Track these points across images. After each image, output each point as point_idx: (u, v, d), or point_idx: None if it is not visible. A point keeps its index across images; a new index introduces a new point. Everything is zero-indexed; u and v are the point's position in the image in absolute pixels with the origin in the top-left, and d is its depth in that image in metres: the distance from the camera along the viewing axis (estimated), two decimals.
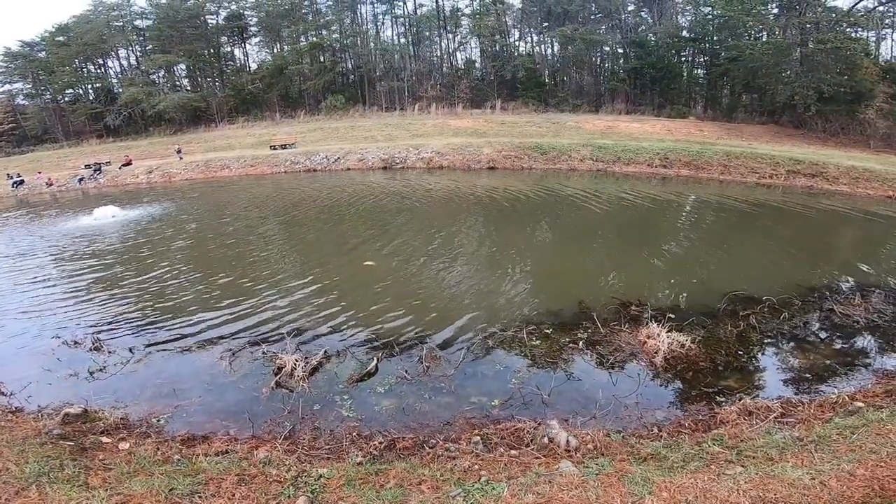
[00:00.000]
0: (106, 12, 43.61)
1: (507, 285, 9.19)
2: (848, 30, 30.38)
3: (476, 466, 4.10)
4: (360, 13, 46.31)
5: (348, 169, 26.21)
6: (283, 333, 7.25)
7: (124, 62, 47.44)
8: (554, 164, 24.23)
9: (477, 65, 48.85)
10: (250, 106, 43.59)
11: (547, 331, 7.16)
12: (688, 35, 41.64)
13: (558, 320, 7.54)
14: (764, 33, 36.11)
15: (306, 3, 45.46)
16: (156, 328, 7.73)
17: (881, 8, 34.64)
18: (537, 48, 46.82)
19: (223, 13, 46.18)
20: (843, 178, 18.92)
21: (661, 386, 5.89)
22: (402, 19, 47.18)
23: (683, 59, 43.05)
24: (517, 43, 47.26)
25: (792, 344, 6.89)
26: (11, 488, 3.62)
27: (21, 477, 3.77)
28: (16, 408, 5.53)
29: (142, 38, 45.98)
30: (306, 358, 6.35)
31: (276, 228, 14.54)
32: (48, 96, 45.07)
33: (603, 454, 4.31)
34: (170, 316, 8.18)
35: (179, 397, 5.78)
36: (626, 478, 3.66)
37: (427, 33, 47.82)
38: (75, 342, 7.23)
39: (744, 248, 11.95)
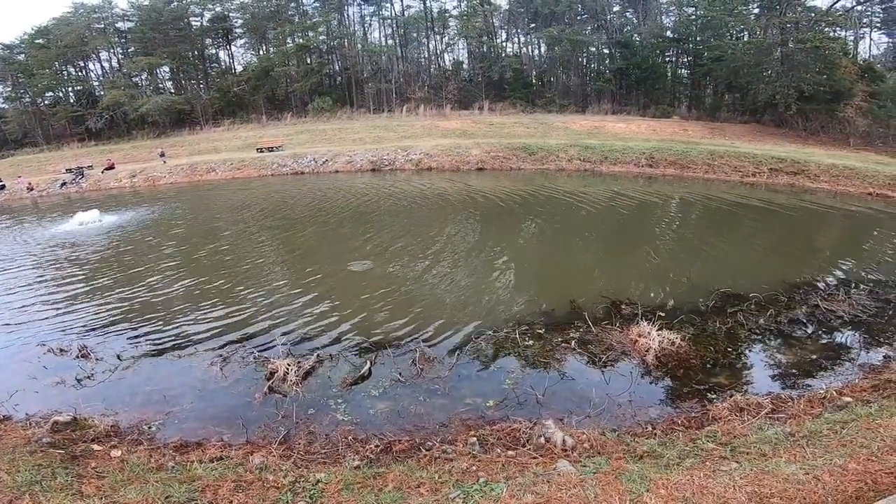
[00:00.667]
0: (86, 14, 42.82)
1: (498, 286, 9.22)
2: (827, 29, 31.03)
3: (474, 467, 4.11)
4: (348, 14, 46.12)
5: (336, 171, 26.08)
6: (274, 338, 7.19)
7: (106, 64, 46.68)
8: (542, 164, 24.37)
9: (465, 66, 48.96)
10: (236, 108, 43.10)
11: (539, 331, 7.20)
12: (672, 35, 42.22)
13: (550, 320, 7.59)
14: (745, 33, 36.78)
15: (292, 4, 45.08)
16: (143, 335, 7.61)
17: (859, 7, 35.53)
18: (524, 49, 47.11)
19: (207, 15, 45.59)
20: (824, 176, 19.33)
21: (653, 384, 5.96)
22: (389, 21, 47.10)
23: (668, 59, 43.64)
24: (504, 44, 47.49)
25: (779, 340, 7.01)
26: (4, 497, 3.57)
27: (13, 486, 3.71)
28: (3, 416, 5.43)
29: (123, 41, 45.19)
30: (299, 362, 6.29)
31: (263, 232, 14.41)
32: (28, 99, 44.08)
33: (599, 453, 4.34)
34: (157, 322, 8.06)
35: (170, 404, 5.69)
36: (624, 476, 3.70)
37: (415, 35, 47.78)
38: (61, 350, 7.08)
39: (729, 245, 12.13)
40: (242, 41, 48.96)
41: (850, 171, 19.19)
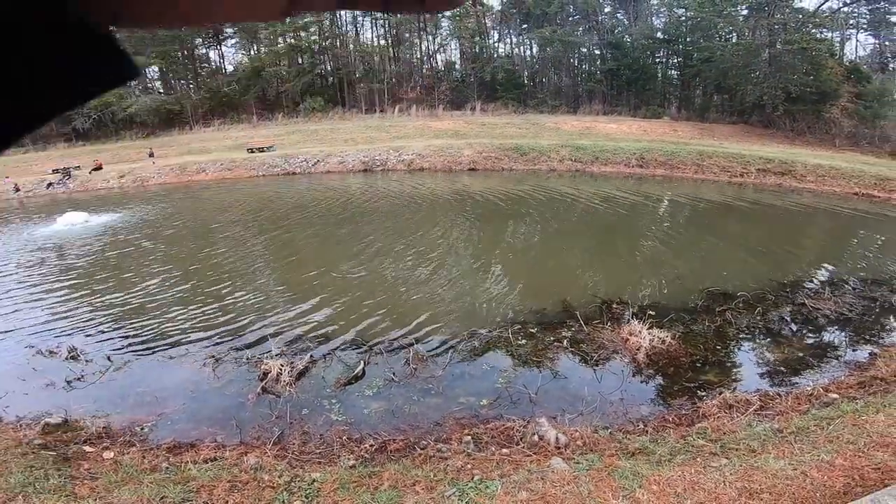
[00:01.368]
0: None
1: (491, 285, 9.27)
2: (814, 31, 31.56)
3: (468, 466, 4.15)
4: (340, 15, 45.93)
5: (328, 172, 25.98)
6: (267, 339, 7.17)
7: None
8: (534, 164, 24.50)
9: (457, 66, 49.03)
10: (226, 108, 42.78)
11: (532, 330, 7.25)
12: (662, 36, 42.63)
13: (543, 319, 7.65)
14: (734, 34, 37.27)
15: None
16: (134, 336, 7.54)
17: (845, 9, 36.11)
18: (516, 50, 47.29)
19: None
20: (810, 176, 19.64)
21: (644, 382, 6.05)
22: (381, 21, 47.01)
23: (658, 60, 44.04)
24: (496, 45, 47.68)
25: (767, 338, 7.14)
26: None
27: (6, 488, 3.71)
28: None
29: None
30: (292, 362, 6.28)
31: (254, 233, 14.34)
32: None
33: (592, 450, 4.40)
34: (148, 323, 7.99)
35: (162, 405, 5.66)
36: (616, 472, 3.76)
37: (407, 35, 47.77)
38: (50, 352, 7.00)
39: (718, 244, 12.30)
40: (233, 41, 48.61)
41: (836, 171, 19.53)
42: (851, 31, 40.08)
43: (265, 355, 6.53)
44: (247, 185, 23.96)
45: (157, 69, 45.21)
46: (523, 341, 6.93)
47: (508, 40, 47.71)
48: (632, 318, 7.19)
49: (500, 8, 45.41)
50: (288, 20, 43.95)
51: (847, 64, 33.16)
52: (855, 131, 28.81)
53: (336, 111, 40.28)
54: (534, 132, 30.24)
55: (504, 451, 4.46)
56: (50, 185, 26.79)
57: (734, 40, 36.41)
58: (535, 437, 4.57)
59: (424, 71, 48.07)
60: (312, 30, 44.63)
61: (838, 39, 38.12)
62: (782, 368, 6.34)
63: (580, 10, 43.57)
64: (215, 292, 9.32)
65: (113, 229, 15.47)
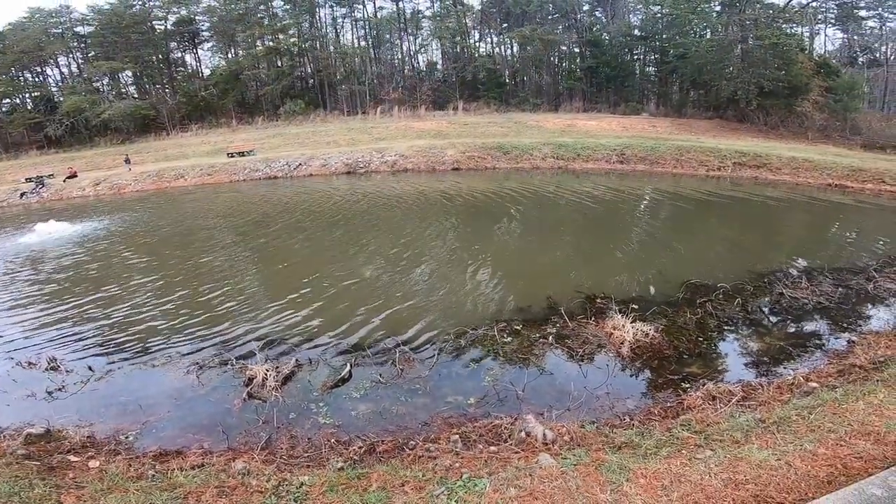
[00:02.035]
0: (43, 19, 41.14)
1: (475, 284, 9.31)
2: (784, 26, 32.32)
3: (457, 464, 4.16)
4: (319, 16, 45.56)
5: (311, 175, 25.77)
6: (251, 344, 7.10)
7: (65, 69, 44.90)
8: (517, 163, 24.64)
9: (438, 66, 49.09)
10: (204, 113, 42.08)
11: (517, 327, 7.30)
12: (639, 34, 43.25)
13: (528, 317, 7.71)
14: (708, 31, 38.02)
15: (261, 7, 44.31)
16: (115, 345, 7.43)
17: (814, 3, 37.06)
18: (497, 49, 47.46)
19: (172, 18, 44.35)
20: (785, 169, 20.13)
21: (629, 375, 6.13)
22: (361, 22, 46.79)
23: (636, 57, 44.70)
24: (477, 44, 47.79)
25: (747, 328, 7.29)
26: None
27: None
28: None
29: (83, 45, 43.59)
30: (277, 367, 6.25)
31: (235, 238, 14.15)
32: None
33: (579, 445, 4.44)
34: (128, 332, 7.86)
35: (147, 413, 5.61)
36: (604, 466, 3.80)
37: (388, 36, 47.62)
38: (30, 363, 6.92)
39: (698, 237, 12.54)
40: (210, 44, 47.88)
41: (810, 163, 20.04)
42: (820, 25, 41.14)
43: (250, 361, 6.46)
44: (227, 191, 23.64)
45: (130, 73, 44.31)
46: (509, 339, 6.97)
47: (489, 40, 47.90)
48: (615, 312, 7.26)
49: (480, 7, 45.57)
50: (266, 22, 43.28)
51: (817, 58, 34.02)
52: (826, 124, 29.59)
53: (317, 114, 39.97)
54: (516, 131, 30.40)
55: (492, 448, 4.49)
56: (23, 194, 26.07)
57: (708, 36, 37.15)
58: (523, 434, 4.61)
59: (406, 72, 47.97)
60: (291, 32, 44.18)
61: (807, 34, 39.09)
62: (763, 358, 6.46)
63: (559, 8, 43.94)
64: (196, 299, 9.18)
65: (90, 238, 15.14)
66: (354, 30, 47.45)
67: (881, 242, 11.47)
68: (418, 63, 49.21)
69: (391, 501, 3.60)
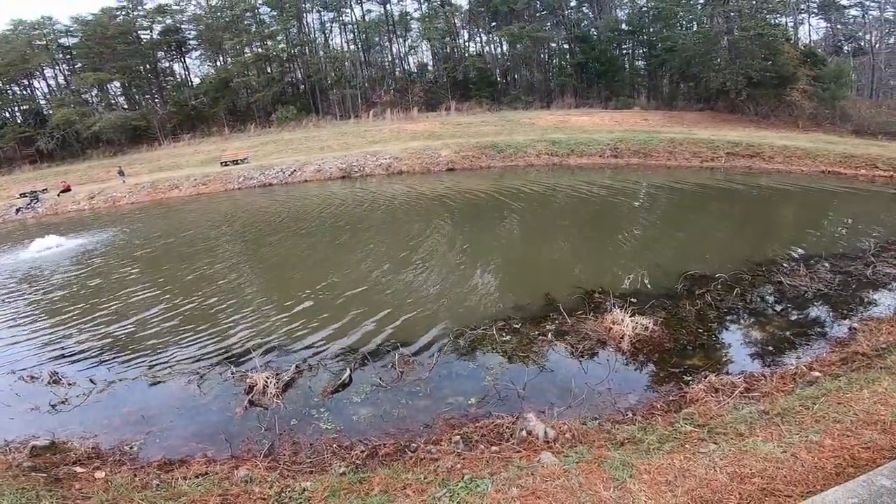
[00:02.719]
0: (27, 31, 40.91)
1: (473, 284, 9.29)
2: (768, 16, 32.47)
3: (459, 465, 4.14)
4: (307, 22, 45.50)
5: (306, 181, 25.71)
6: (250, 352, 7.07)
7: (52, 82, 44.69)
8: (511, 161, 24.64)
9: (429, 67, 49.05)
10: (196, 122, 41.94)
11: (516, 325, 7.29)
12: (626, 28, 43.40)
13: (526, 314, 7.69)
14: (694, 23, 38.16)
15: (248, 14, 44.20)
16: (116, 357, 7.42)
17: None
18: (487, 48, 47.52)
19: (158, 28, 44.18)
20: (777, 158, 20.18)
21: (630, 370, 6.12)
22: (350, 26, 46.75)
23: (625, 51, 44.84)
24: (467, 44, 47.83)
25: (747, 318, 7.27)
26: None
27: None
28: None
29: (69, 57, 43.37)
30: (277, 374, 6.23)
31: (232, 247, 14.11)
32: None
33: (581, 442, 4.41)
34: (129, 344, 7.85)
35: (150, 424, 5.63)
36: (606, 463, 3.77)
37: (377, 39, 47.55)
38: (32, 377, 6.96)
39: (694, 228, 12.56)
40: (198, 53, 47.74)
41: (802, 151, 20.10)
42: (803, 15, 41.37)
43: (251, 370, 6.43)
44: (223, 200, 23.56)
45: (119, 84, 44.11)
46: (508, 337, 6.96)
47: (478, 39, 47.96)
48: (614, 306, 7.22)
49: (468, 7, 45.58)
50: (253, 29, 43.14)
51: (802, 48, 34.21)
52: (816, 112, 29.71)
53: (310, 119, 39.88)
54: (509, 129, 30.40)
55: (494, 448, 4.46)
56: (18, 210, 25.95)
57: (694, 29, 37.28)
58: (524, 433, 4.59)
59: (397, 74, 47.94)
60: (280, 38, 44.09)
61: (792, 24, 39.30)
62: (765, 348, 6.42)
63: (546, 5, 43.99)
64: (195, 308, 9.15)
65: (86, 252, 15.08)
66: (343, 34, 47.47)
67: (877, 227, 11.51)
68: (409, 65, 49.23)
69: None
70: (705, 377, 5.56)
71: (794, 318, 7.23)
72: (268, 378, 6.06)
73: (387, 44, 47.96)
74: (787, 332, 6.71)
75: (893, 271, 8.42)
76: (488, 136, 28.74)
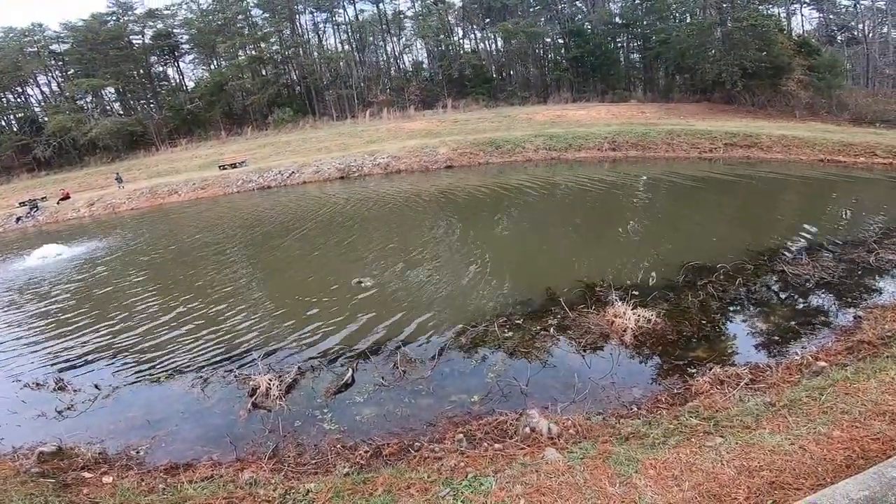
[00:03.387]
0: (17, 38, 40.80)
1: (473, 280, 9.25)
2: (760, 7, 32.34)
3: (462, 464, 4.12)
4: (300, 23, 45.40)
5: (304, 182, 25.66)
6: (252, 355, 7.05)
7: (46, 89, 44.60)
8: (510, 156, 24.59)
9: (424, 66, 48.92)
10: (192, 126, 41.87)
11: (517, 321, 7.25)
12: (620, 21, 43.26)
13: (527, 309, 7.66)
14: (687, 15, 38.03)
15: (240, 16, 44.07)
16: (119, 363, 7.43)
17: None
18: (482, 44, 47.39)
19: (149, 32, 44.04)
20: (776, 147, 20.13)
21: (633, 363, 6.08)
22: (343, 26, 46.64)
23: (619, 44, 44.71)
24: (462, 41, 47.67)
25: (751, 309, 7.23)
26: None
27: None
28: None
29: (61, 63, 43.27)
30: (280, 376, 6.21)
31: (232, 250, 14.07)
32: None
33: (585, 437, 4.38)
34: (132, 350, 7.84)
35: (155, 428, 5.66)
36: (611, 459, 3.73)
37: (371, 38, 47.44)
38: (37, 384, 7.00)
39: (695, 219, 12.51)
40: (191, 57, 47.62)
41: (800, 140, 20.04)
42: (795, 5, 41.19)
43: (254, 373, 6.42)
44: (222, 203, 23.52)
45: (113, 90, 43.99)
46: (510, 333, 6.92)
47: (473, 36, 47.82)
48: (616, 299, 7.17)
49: (461, 4, 45.44)
50: (246, 32, 42.98)
51: (796, 38, 34.05)
52: (812, 102, 29.60)
53: (306, 120, 39.80)
54: (506, 125, 30.33)
55: (497, 445, 4.44)
56: (19, 219, 25.93)
57: (688, 20, 37.14)
58: (528, 430, 4.56)
59: (392, 73, 47.84)
60: (273, 40, 43.97)
61: (784, 15, 39.09)
62: (769, 338, 6.36)
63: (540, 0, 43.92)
64: (197, 313, 9.12)
65: (87, 259, 15.07)
66: (337, 34, 47.37)
67: (879, 214, 11.47)
68: (404, 63, 49.17)
69: None
70: (710, 369, 5.51)
71: (797, 307, 7.18)
72: (270, 380, 6.04)
73: (381, 43, 47.87)
74: (792, 322, 6.66)
75: None
76: (486, 132, 28.68)
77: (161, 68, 47.56)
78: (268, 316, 8.60)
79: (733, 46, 29.85)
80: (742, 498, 3.14)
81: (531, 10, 44.92)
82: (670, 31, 35.89)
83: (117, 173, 30.02)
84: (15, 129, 42.08)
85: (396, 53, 48.52)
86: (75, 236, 19.67)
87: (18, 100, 43.96)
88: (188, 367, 7.04)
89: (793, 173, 17.10)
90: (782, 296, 7.57)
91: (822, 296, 7.42)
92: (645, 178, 18.64)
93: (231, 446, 5.15)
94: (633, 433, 4.33)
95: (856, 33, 41.66)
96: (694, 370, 5.70)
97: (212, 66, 46.09)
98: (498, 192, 17.68)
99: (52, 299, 11.19)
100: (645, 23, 40.70)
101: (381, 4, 45.92)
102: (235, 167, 28.85)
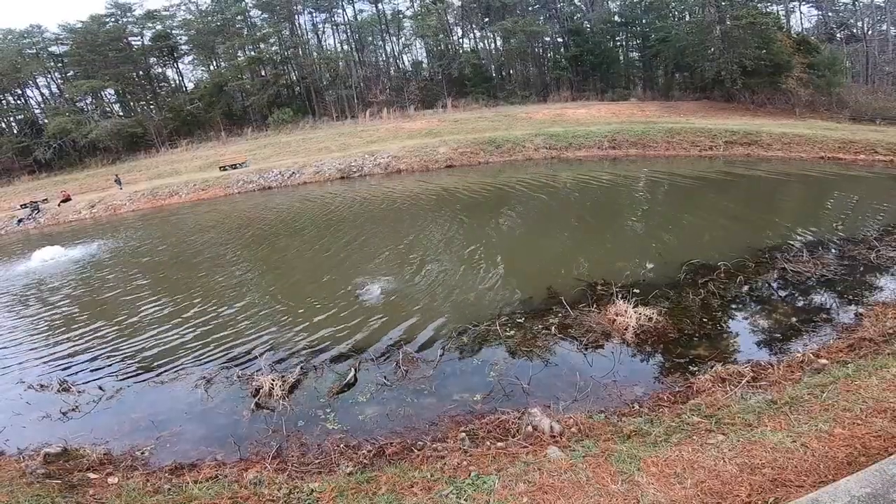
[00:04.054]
0: (16, 40, 40.81)
1: (475, 280, 9.27)
2: (759, 5, 32.31)
3: (465, 463, 4.13)
4: (299, 23, 45.32)
5: (305, 183, 25.67)
6: (255, 355, 7.07)
7: (45, 91, 44.59)
8: (510, 155, 24.59)
9: (424, 65, 48.88)
10: (192, 127, 41.85)
11: (519, 320, 7.27)
12: (619, 20, 43.24)
13: (529, 308, 7.67)
14: (686, 13, 37.98)
15: (239, 17, 44.05)
16: (123, 364, 7.46)
17: None
18: (481, 44, 47.30)
19: (148, 34, 44.00)
20: (776, 145, 20.12)
21: (635, 361, 6.09)
22: (343, 26, 46.60)
23: (618, 43, 44.68)
24: (461, 40, 47.61)
25: (752, 306, 7.24)
26: None
27: None
28: None
29: (61, 65, 43.28)
30: (283, 376, 6.23)
31: (233, 251, 14.09)
32: None
33: (587, 436, 4.39)
34: (135, 351, 7.86)
35: (159, 429, 5.68)
36: (613, 456, 3.74)
37: (370, 38, 47.42)
38: (41, 385, 7.03)
39: (695, 217, 12.51)
40: (190, 58, 47.56)
41: (801, 138, 20.03)
42: (794, 3, 41.12)
43: (257, 372, 6.44)
44: (223, 204, 23.53)
45: (113, 91, 43.98)
46: (512, 332, 6.94)
47: (472, 35, 47.74)
48: (617, 298, 7.18)
49: (460, 3, 45.39)
50: (245, 33, 42.89)
51: (795, 36, 33.98)
52: (813, 99, 29.55)
53: (306, 121, 39.79)
54: (506, 124, 30.33)
55: (500, 444, 4.45)
56: (20, 220, 25.95)
57: (687, 19, 37.11)
58: (530, 428, 4.57)
59: (392, 73, 47.82)
60: (272, 41, 43.95)
61: (783, 13, 39.03)
62: (771, 336, 6.39)
63: None
64: (199, 314, 9.14)
65: (89, 261, 15.09)
66: (336, 34, 47.28)
67: (880, 211, 11.47)
68: (403, 63, 49.12)
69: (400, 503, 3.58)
70: (711, 367, 5.52)
71: (798, 304, 7.19)
72: (273, 380, 6.07)
73: (380, 43, 47.85)
74: (793, 320, 6.67)
75: None
76: (486, 131, 28.67)
77: (160, 69, 47.53)
78: (270, 316, 8.61)
79: (732, 44, 29.82)
80: (744, 495, 3.15)
81: (530, 8, 44.86)
82: (669, 30, 35.87)
83: (117, 175, 30.07)
84: (15, 132, 42.10)
85: (396, 53, 48.54)
86: (77, 238, 19.69)
87: (18, 102, 43.94)
88: (191, 367, 7.07)
89: (793, 171, 17.10)
90: (783, 293, 7.57)
91: (824, 293, 7.43)
92: (644, 176, 18.64)
93: (235, 446, 5.17)
94: (636, 431, 4.34)
95: (855, 31, 41.59)
96: (695, 368, 5.72)
97: (211, 67, 46.05)
98: (498, 191, 17.69)
99: (54, 301, 11.20)
100: (644, 21, 40.70)
101: (379, 4, 45.95)
102: (236, 168, 28.85)
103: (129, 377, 7.05)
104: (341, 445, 4.89)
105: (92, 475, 4.75)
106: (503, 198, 16.56)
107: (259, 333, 7.94)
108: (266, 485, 4.19)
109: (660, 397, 5.20)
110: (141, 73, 44.78)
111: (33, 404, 6.57)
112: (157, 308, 9.81)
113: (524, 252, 11.01)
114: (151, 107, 45.22)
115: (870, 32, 40.38)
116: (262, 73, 43.76)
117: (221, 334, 8.08)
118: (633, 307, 6.83)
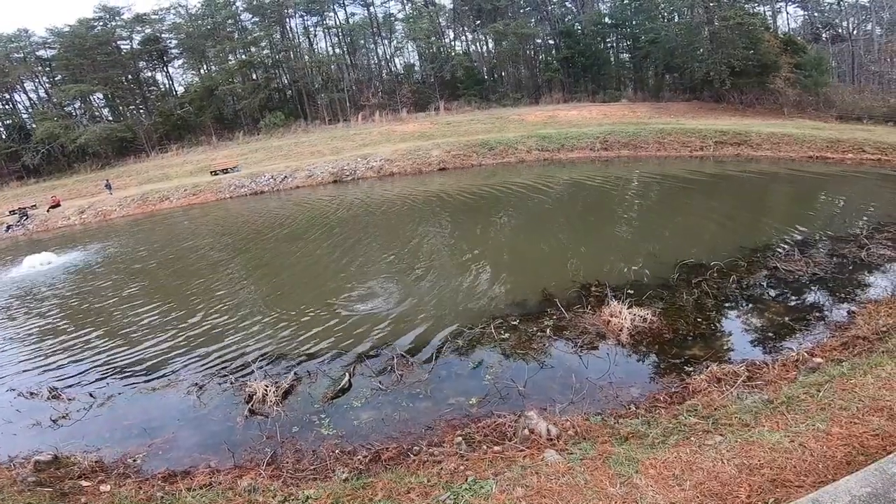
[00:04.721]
0: (3, 44, 40.31)
1: (469, 283, 9.25)
2: (746, 6, 32.70)
3: (462, 467, 4.10)
4: (290, 27, 45.18)
5: (297, 187, 25.55)
6: (248, 361, 7.00)
7: (33, 95, 44.05)
8: (503, 158, 24.63)
9: (416, 68, 48.87)
10: (182, 132, 41.52)
11: (514, 323, 7.25)
12: (609, 21, 43.54)
13: (523, 311, 7.66)
14: (675, 14, 38.35)
15: (230, 21, 43.81)
16: (114, 371, 7.35)
17: None
18: (473, 46, 47.41)
19: (137, 38, 43.61)
20: (765, 144, 20.31)
21: (631, 363, 6.09)
22: (334, 29, 46.48)
23: (609, 44, 44.97)
24: (453, 43, 47.67)
25: (745, 306, 7.27)
26: None
27: None
28: None
29: (48, 69, 42.80)
30: (276, 382, 6.17)
31: (225, 256, 13.97)
32: None
33: (585, 438, 4.37)
34: (126, 357, 7.76)
35: (152, 436, 5.61)
36: (611, 459, 3.73)
37: (362, 41, 47.34)
38: (31, 393, 6.94)
39: (687, 218, 12.58)
40: (180, 62, 47.22)
41: (789, 137, 20.24)
42: (781, 4, 41.63)
43: (250, 379, 6.37)
44: (214, 209, 23.36)
45: (101, 96, 43.55)
46: (507, 335, 6.92)
47: (464, 38, 47.83)
48: (611, 299, 7.19)
49: (452, 6, 45.51)
50: (236, 36, 42.71)
51: (782, 36, 34.39)
52: (800, 99, 29.90)
53: (298, 124, 39.62)
54: (499, 126, 30.38)
55: (496, 448, 4.42)
56: (8, 227, 25.61)
57: (676, 20, 37.46)
58: (527, 431, 4.54)
59: (384, 76, 47.76)
60: (263, 44, 43.76)
61: (770, 13, 39.51)
62: (765, 335, 6.40)
63: (530, 1, 44.04)
64: (191, 320, 9.03)
65: (78, 268, 14.90)
66: (328, 37, 47.17)
67: (868, 209, 11.59)
68: (395, 66, 49.06)
69: None
70: (707, 367, 5.52)
71: (791, 303, 7.23)
72: (267, 386, 6.00)
73: (372, 46, 47.79)
74: (786, 318, 6.70)
75: (888, 252, 8.46)
76: (478, 134, 28.71)
77: (150, 73, 47.13)
78: (263, 322, 8.53)
79: (721, 45, 30.12)
80: (744, 496, 3.14)
81: (521, 11, 45.06)
82: (659, 31, 36.21)
83: (107, 180, 29.78)
84: (3, 137, 41.57)
85: (388, 56, 48.47)
86: (66, 244, 19.45)
87: (5, 107, 43.40)
88: (183, 373, 6.98)
89: (783, 170, 17.27)
90: (776, 292, 7.62)
91: (816, 292, 7.48)
92: (636, 177, 18.74)
93: (229, 453, 5.10)
94: (633, 433, 4.33)
95: (840, 31, 42.18)
96: (691, 368, 5.72)
97: (201, 71, 45.74)
98: (491, 193, 17.70)
99: (44, 308, 11.04)
100: (634, 23, 41.02)
101: (371, 7, 45.90)
102: (227, 172, 28.67)
103: (120, 384, 6.95)
104: (336, 451, 4.84)
105: (84, 483, 4.69)
106: (496, 200, 16.57)
107: (252, 339, 7.86)
108: (261, 492, 4.13)
109: (656, 398, 5.18)
110: (130, 77, 44.38)
111: (23, 412, 6.47)
112: (148, 314, 9.68)
113: (518, 254, 11.01)
114: (141, 111, 44.84)
115: (855, 32, 40.95)
116: (254, 77, 43.52)
117: (214, 340, 7.99)
118: (628, 308, 6.84)
